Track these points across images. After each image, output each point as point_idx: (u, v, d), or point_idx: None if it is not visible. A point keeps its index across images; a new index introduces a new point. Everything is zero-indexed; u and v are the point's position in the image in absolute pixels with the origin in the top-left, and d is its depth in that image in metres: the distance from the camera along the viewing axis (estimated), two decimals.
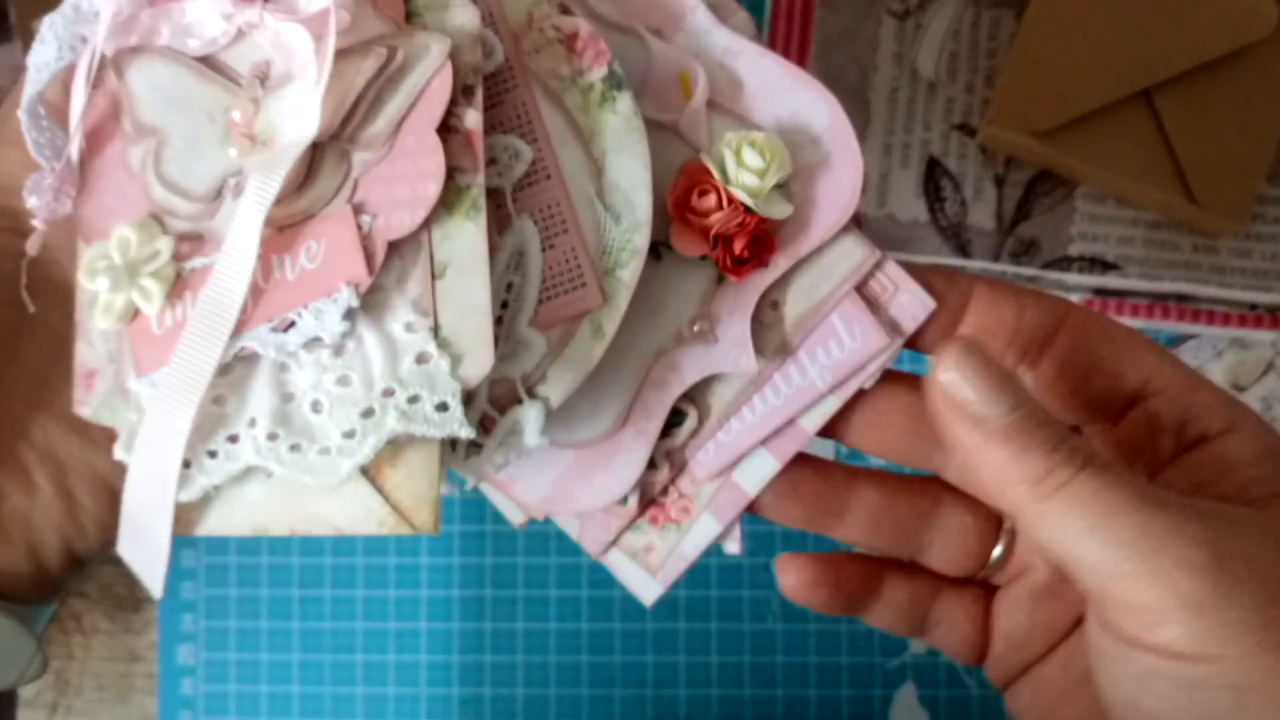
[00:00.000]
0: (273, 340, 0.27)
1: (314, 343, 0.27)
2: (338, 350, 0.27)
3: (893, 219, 0.55)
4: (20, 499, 0.32)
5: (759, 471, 0.31)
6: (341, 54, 0.26)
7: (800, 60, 0.58)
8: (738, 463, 0.31)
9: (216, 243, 0.27)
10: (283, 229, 0.27)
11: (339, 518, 0.27)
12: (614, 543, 0.32)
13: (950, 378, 0.27)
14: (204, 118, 0.28)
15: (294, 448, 0.27)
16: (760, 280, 0.30)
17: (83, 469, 0.32)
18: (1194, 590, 0.25)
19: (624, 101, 0.28)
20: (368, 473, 0.27)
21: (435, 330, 0.27)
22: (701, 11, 0.30)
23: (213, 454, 0.27)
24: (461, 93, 0.27)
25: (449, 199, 0.27)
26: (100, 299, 0.27)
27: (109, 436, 0.31)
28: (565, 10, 0.28)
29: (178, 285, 0.27)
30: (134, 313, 0.28)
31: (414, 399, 0.26)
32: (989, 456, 0.27)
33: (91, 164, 0.29)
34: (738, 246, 0.29)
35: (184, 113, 0.28)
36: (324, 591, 0.58)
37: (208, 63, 0.28)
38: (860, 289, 0.31)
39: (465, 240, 0.27)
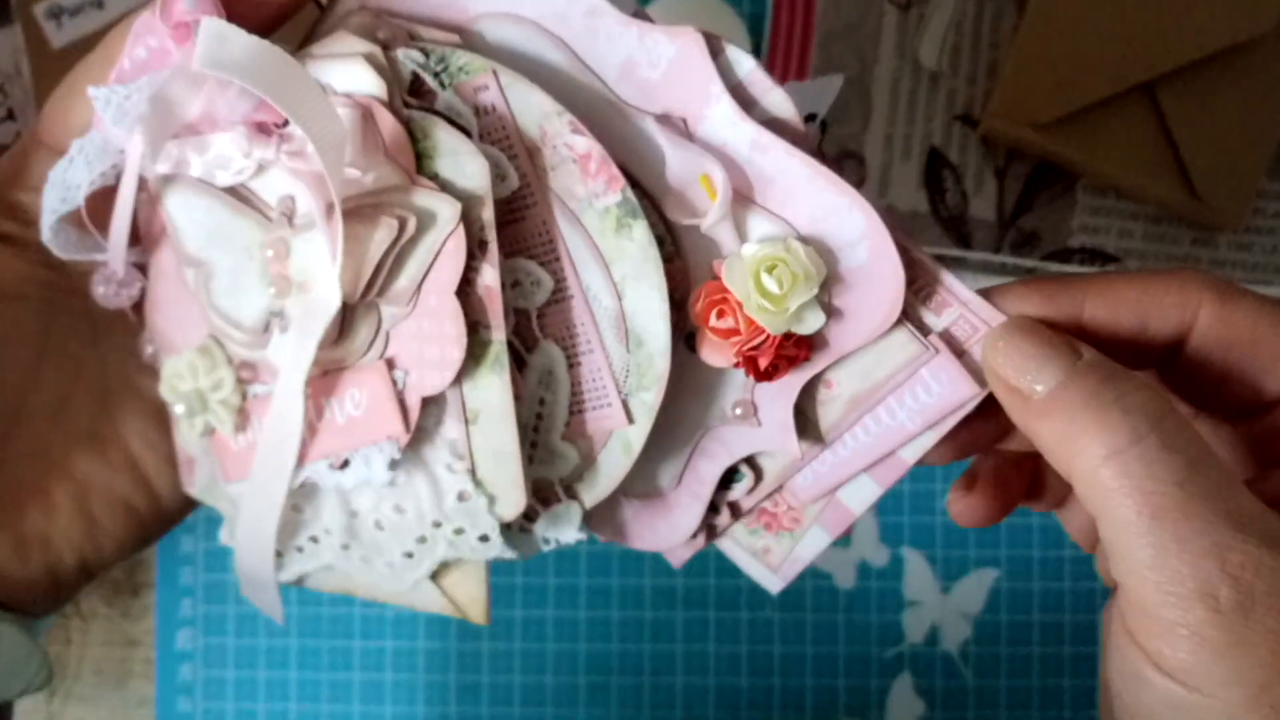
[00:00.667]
0: (332, 477, 0.29)
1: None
2: (391, 481, 0.29)
3: (893, 210, 0.55)
4: (40, 518, 0.32)
5: (862, 494, 0.31)
6: (354, 214, 0.27)
7: (802, 52, 0.58)
8: (837, 489, 0.31)
9: (272, 371, 0.29)
10: (327, 373, 0.29)
11: (411, 597, 0.31)
12: (714, 536, 0.32)
13: (991, 359, 0.27)
14: (243, 254, 0.29)
15: (364, 559, 0.30)
16: (802, 374, 0.29)
17: (103, 490, 0.33)
18: (1207, 627, 0.24)
19: (639, 230, 0.28)
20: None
21: (472, 471, 0.28)
22: (726, 102, 0.28)
23: (300, 549, 0.31)
24: (477, 246, 0.28)
25: (474, 351, 0.28)
26: (182, 420, 0.30)
27: (128, 459, 0.33)
28: (576, 130, 0.28)
29: (244, 410, 0.30)
30: (214, 429, 0.31)
31: (459, 531, 0.29)
32: (1043, 429, 0.26)
33: (152, 265, 0.31)
34: (762, 364, 0.28)
35: (225, 248, 0.29)
36: None
37: (237, 193, 0.29)
38: (947, 334, 0.29)
39: (492, 392, 0.28)
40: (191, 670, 0.59)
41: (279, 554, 0.31)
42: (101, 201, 0.30)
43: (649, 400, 0.29)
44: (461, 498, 0.29)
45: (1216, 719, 0.24)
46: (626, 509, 0.32)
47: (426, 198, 0.27)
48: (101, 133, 0.29)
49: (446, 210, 0.27)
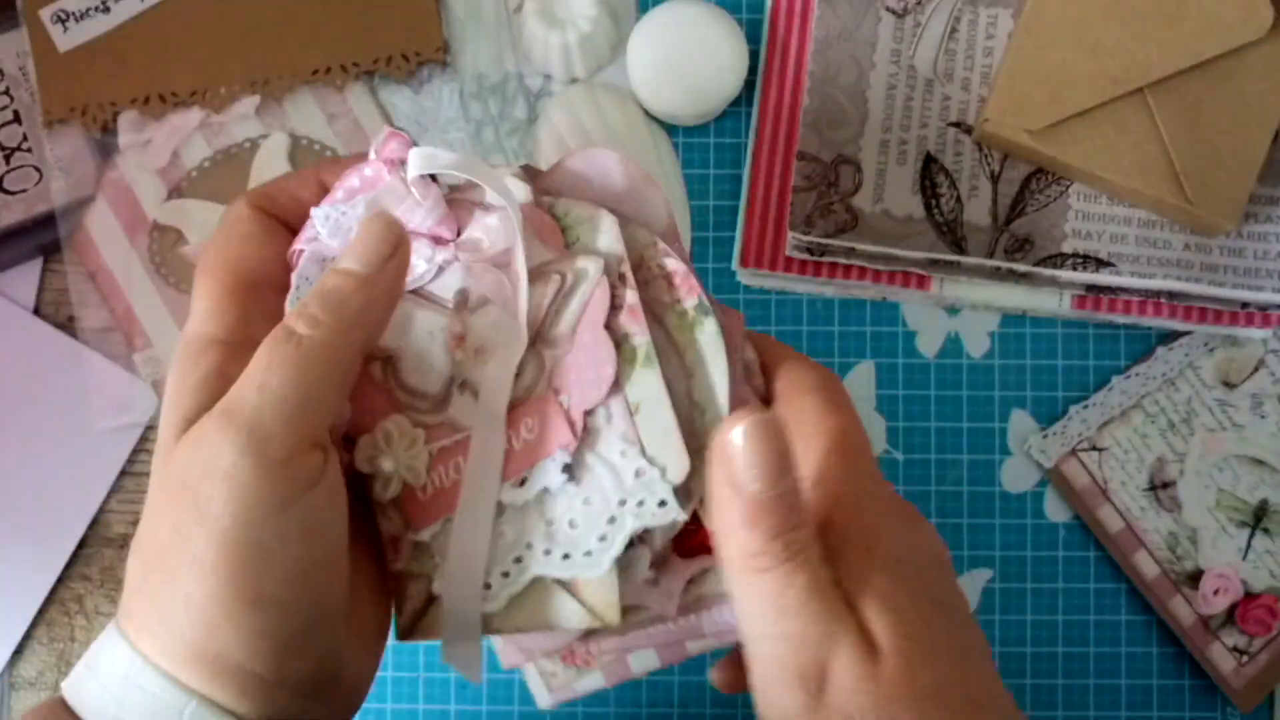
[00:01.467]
0: (513, 494, 0.36)
1: (544, 491, 0.36)
2: (579, 481, 0.36)
3: (888, 214, 0.55)
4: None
5: (645, 661, 0.38)
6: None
7: (799, 58, 0.58)
8: (632, 651, 0.38)
9: (454, 427, 0.36)
10: None
11: (554, 619, 0.36)
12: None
13: (735, 442, 0.31)
14: (427, 338, 0.37)
15: (565, 556, 0.35)
16: (705, 562, 0.37)
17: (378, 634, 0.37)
18: (789, 711, 0.30)
19: (710, 324, 0.36)
20: (569, 587, 0.36)
21: (643, 450, 0.35)
22: None
23: (505, 574, 0.36)
24: (618, 279, 0.36)
25: (627, 356, 0.35)
26: (380, 479, 0.35)
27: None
28: (668, 254, 0.37)
29: (432, 462, 0.35)
30: (404, 486, 0.35)
31: (641, 502, 0.35)
32: (729, 516, 0.31)
33: None
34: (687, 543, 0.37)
35: (411, 337, 0.37)
36: None
37: (417, 293, 0.37)
38: None
39: (649, 384, 0.35)
40: None
41: (487, 586, 0.36)
42: None
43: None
44: (639, 474, 0.35)
45: None
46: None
47: (577, 260, 0.36)
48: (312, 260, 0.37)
49: (593, 266, 0.36)
